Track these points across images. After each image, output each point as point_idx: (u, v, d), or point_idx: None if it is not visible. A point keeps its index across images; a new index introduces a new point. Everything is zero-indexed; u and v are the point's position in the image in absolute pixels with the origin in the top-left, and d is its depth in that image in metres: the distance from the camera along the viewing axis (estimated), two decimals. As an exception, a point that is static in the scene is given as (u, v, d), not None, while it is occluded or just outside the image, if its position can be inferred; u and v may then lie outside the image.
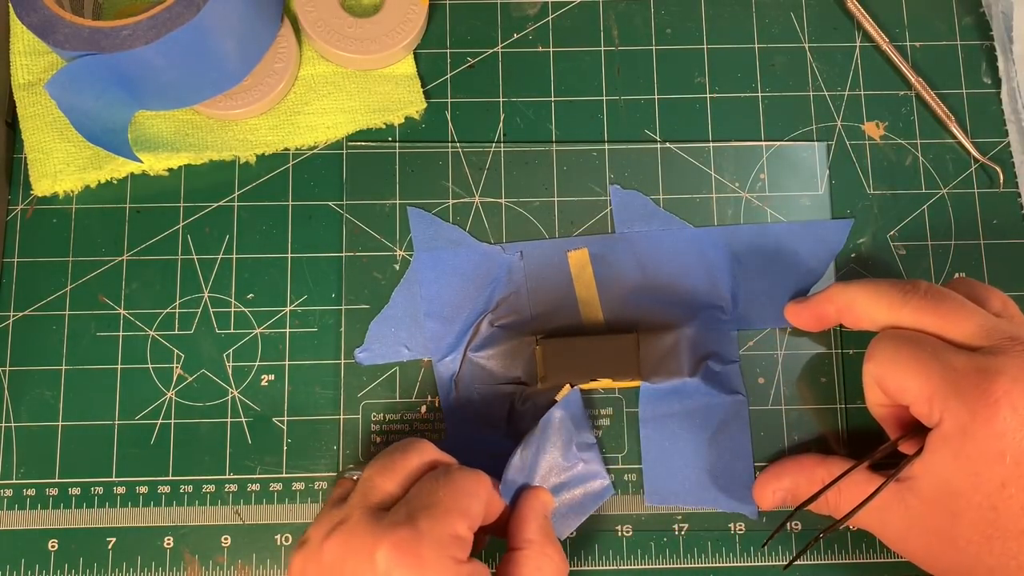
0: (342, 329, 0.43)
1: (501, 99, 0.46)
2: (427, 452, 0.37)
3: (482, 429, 0.42)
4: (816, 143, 0.46)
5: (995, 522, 0.33)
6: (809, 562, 0.41)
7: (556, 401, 0.41)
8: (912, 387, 0.35)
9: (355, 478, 0.38)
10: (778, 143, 0.46)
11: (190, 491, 0.42)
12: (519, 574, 0.36)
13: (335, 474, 0.42)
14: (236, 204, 0.44)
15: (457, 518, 0.34)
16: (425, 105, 0.46)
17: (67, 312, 0.43)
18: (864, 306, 0.38)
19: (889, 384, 0.36)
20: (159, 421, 0.42)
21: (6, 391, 0.42)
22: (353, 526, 0.34)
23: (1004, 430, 0.33)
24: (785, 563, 0.41)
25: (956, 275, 0.44)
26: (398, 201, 0.45)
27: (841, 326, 0.42)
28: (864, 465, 0.38)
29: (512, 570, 0.36)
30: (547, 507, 0.39)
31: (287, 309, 0.43)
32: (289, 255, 0.44)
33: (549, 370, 0.41)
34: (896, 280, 0.38)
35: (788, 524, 0.42)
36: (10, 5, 0.39)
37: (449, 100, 0.46)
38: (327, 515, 0.36)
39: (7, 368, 0.42)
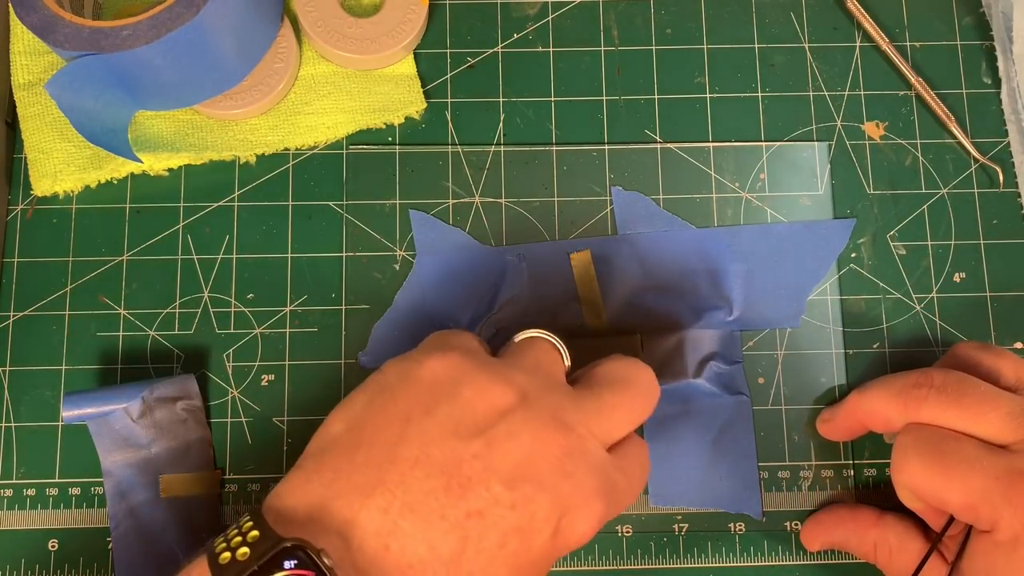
0: (342, 329, 0.43)
1: (501, 99, 0.46)
2: None
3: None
4: (816, 143, 0.46)
5: None
6: (811, 562, 0.42)
7: None
8: (953, 499, 0.34)
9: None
10: (778, 143, 0.46)
11: (190, 491, 0.42)
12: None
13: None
14: (236, 204, 0.44)
15: (628, 426, 0.33)
16: (425, 105, 0.46)
17: (67, 312, 0.43)
18: (883, 411, 0.37)
19: (926, 496, 0.35)
20: (159, 421, 0.42)
21: (6, 391, 0.42)
22: (544, 400, 0.31)
23: None
24: (785, 563, 0.41)
25: (955, 344, 0.41)
26: (398, 201, 0.45)
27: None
28: (919, 532, 0.38)
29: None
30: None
31: (287, 309, 0.43)
32: (289, 255, 0.44)
33: (551, 371, 0.41)
34: (908, 374, 0.37)
35: (788, 525, 0.42)
36: (10, 5, 0.39)
37: (449, 100, 0.46)
38: (480, 365, 0.32)
39: (7, 368, 0.42)
